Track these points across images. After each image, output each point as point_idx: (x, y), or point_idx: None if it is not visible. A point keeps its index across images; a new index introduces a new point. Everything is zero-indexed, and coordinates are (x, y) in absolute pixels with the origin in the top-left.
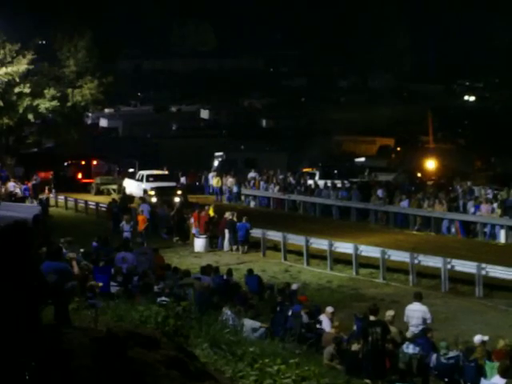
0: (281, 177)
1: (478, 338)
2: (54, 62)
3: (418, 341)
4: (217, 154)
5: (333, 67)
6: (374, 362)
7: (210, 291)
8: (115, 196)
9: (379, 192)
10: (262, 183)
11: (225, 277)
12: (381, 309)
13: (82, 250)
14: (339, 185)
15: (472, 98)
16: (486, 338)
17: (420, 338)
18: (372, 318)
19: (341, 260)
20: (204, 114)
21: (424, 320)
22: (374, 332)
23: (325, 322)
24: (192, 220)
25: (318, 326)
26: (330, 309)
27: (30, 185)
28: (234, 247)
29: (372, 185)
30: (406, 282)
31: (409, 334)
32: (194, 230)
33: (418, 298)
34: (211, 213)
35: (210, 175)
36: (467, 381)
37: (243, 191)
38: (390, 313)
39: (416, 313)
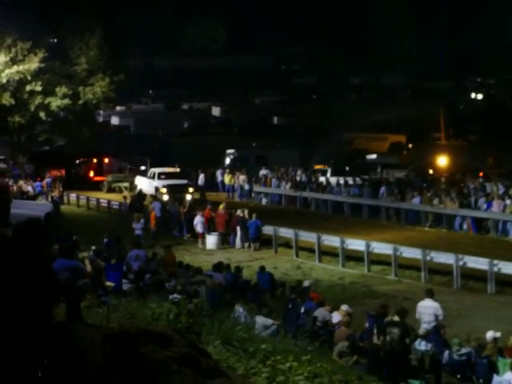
0: (292, 174)
1: (490, 335)
2: (66, 60)
3: (431, 337)
4: (228, 151)
5: (344, 64)
6: (390, 363)
7: (222, 288)
8: (127, 194)
9: (382, 189)
10: (273, 180)
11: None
12: (393, 306)
13: (93, 248)
14: (351, 182)
15: (480, 96)
16: (497, 334)
17: (432, 334)
18: (396, 318)
19: (353, 257)
20: (215, 111)
21: (436, 316)
22: (390, 332)
23: (338, 320)
24: (198, 218)
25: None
26: (344, 307)
27: (44, 182)
28: (246, 244)
29: (383, 182)
30: (418, 278)
31: (421, 331)
32: (200, 229)
33: (430, 294)
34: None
35: (219, 172)
36: (479, 377)
37: (255, 188)
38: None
39: (428, 309)
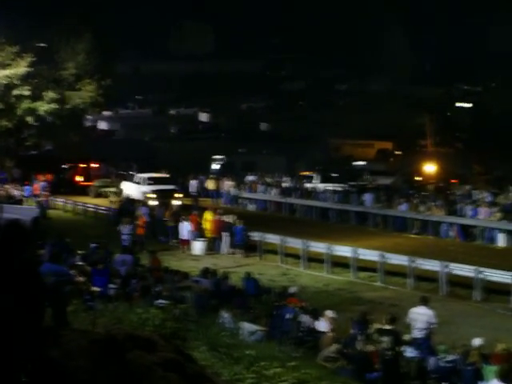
0: (279, 180)
1: (475, 342)
2: (53, 64)
3: (421, 344)
4: (215, 157)
5: (331, 71)
6: (383, 370)
7: (208, 294)
8: (113, 199)
9: (367, 196)
10: (260, 186)
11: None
12: (379, 313)
13: (80, 253)
14: (338, 188)
15: (467, 104)
16: (481, 341)
17: (423, 341)
18: (387, 326)
19: (339, 263)
20: (203, 116)
21: (429, 324)
22: (381, 340)
23: (323, 326)
24: (185, 225)
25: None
26: (329, 313)
27: (37, 185)
28: (231, 250)
29: (370, 188)
30: (404, 285)
31: (407, 338)
32: (185, 235)
33: (425, 301)
34: (209, 216)
35: (200, 179)
36: None
37: (241, 194)
38: (388, 316)
39: (421, 316)
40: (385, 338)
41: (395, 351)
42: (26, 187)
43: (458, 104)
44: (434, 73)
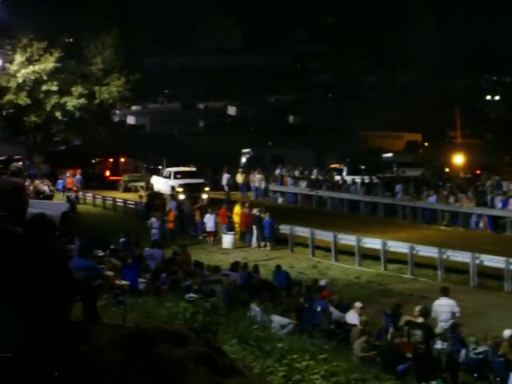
0: (308, 173)
1: (507, 333)
2: (81, 59)
3: (449, 336)
4: (244, 150)
5: (360, 63)
6: (415, 363)
7: (238, 287)
8: (143, 193)
9: (398, 188)
10: (289, 179)
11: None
12: (409, 304)
13: (110, 247)
14: (367, 180)
15: (496, 95)
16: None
17: (450, 332)
18: (420, 320)
19: (369, 256)
20: (231, 110)
21: (453, 314)
22: (414, 334)
23: (353, 318)
24: (209, 216)
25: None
26: (358, 304)
27: (71, 179)
28: (262, 243)
29: (399, 180)
30: (434, 277)
31: (437, 330)
32: (211, 227)
33: (445, 292)
34: (238, 210)
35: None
36: (496, 376)
37: (271, 187)
38: (418, 308)
39: (444, 307)
40: (417, 332)
41: (428, 344)
42: (59, 181)
43: (487, 96)
44: (461, 64)
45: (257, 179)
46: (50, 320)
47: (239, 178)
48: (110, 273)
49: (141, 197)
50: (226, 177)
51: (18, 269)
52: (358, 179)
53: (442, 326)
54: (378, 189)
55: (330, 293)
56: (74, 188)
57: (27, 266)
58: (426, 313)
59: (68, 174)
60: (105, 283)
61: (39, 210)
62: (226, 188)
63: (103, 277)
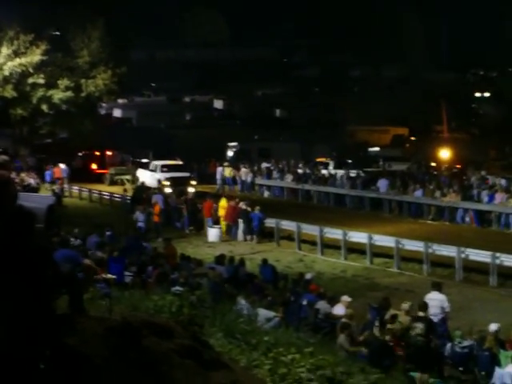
0: (294, 166)
1: (492, 327)
2: (68, 52)
3: (438, 329)
4: (231, 144)
5: (346, 57)
6: (416, 356)
7: (224, 281)
8: (128, 186)
9: (382, 182)
10: (275, 173)
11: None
12: (395, 298)
13: (95, 240)
14: (353, 174)
15: (486, 94)
16: (497, 326)
17: (439, 327)
18: (421, 313)
19: (355, 250)
20: (218, 104)
21: (442, 309)
22: (415, 327)
23: (341, 311)
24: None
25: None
26: (346, 298)
27: (57, 169)
28: (248, 237)
29: (385, 174)
30: (420, 271)
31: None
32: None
33: (437, 287)
34: (224, 203)
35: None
36: (481, 370)
37: (257, 181)
38: (405, 305)
39: (435, 302)
40: (419, 325)
41: (428, 338)
42: (47, 172)
43: (474, 90)
44: (449, 58)
45: (243, 173)
46: (34, 312)
47: (226, 172)
48: (88, 261)
49: (125, 190)
50: (219, 170)
51: None
52: (343, 173)
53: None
54: (361, 183)
55: (317, 286)
56: (61, 180)
57: (4, 258)
58: (424, 306)
59: (55, 166)
60: (85, 274)
61: (25, 203)
62: (219, 182)
63: (82, 266)
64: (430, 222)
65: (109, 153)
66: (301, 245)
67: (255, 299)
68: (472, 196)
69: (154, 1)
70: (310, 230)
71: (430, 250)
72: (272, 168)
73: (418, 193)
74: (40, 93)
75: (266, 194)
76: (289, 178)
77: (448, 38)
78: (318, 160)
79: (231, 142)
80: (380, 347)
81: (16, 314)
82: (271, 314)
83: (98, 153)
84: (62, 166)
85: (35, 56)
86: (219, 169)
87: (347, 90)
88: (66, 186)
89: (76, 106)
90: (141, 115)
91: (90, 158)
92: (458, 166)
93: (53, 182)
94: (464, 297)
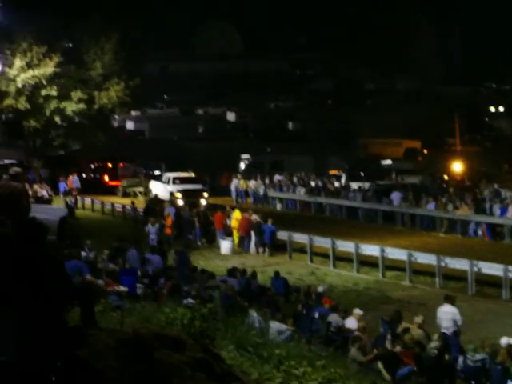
0: (307, 179)
1: (504, 341)
2: (81, 64)
3: (449, 343)
4: (243, 156)
5: (359, 70)
6: (428, 370)
7: (236, 293)
8: (141, 198)
9: (394, 195)
10: (288, 185)
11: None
12: (407, 311)
13: (107, 252)
14: (366, 187)
15: (501, 109)
16: (510, 340)
17: (451, 340)
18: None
19: (367, 262)
20: (230, 116)
21: (455, 322)
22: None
23: (353, 324)
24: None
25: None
26: (358, 311)
27: (70, 179)
28: (261, 249)
29: (398, 187)
30: (432, 284)
31: (435, 338)
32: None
33: (449, 300)
34: (237, 215)
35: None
36: (494, 383)
37: (269, 193)
38: (418, 319)
39: (447, 315)
40: (434, 341)
41: (443, 354)
42: (61, 183)
43: (486, 103)
44: (462, 72)
45: (252, 185)
46: (45, 324)
47: (240, 184)
48: (90, 277)
49: (133, 202)
50: (234, 183)
51: (11, 272)
52: (356, 186)
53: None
54: (374, 196)
55: (328, 299)
56: (74, 192)
57: (18, 269)
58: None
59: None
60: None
61: (38, 215)
62: (234, 194)
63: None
64: (442, 235)
65: (121, 165)
66: (313, 257)
67: (267, 312)
68: (484, 209)
69: (168, 13)
70: (323, 242)
71: (443, 263)
72: (284, 180)
73: (431, 206)
74: (53, 105)
75: (279, 206)
76: (301, 190)
77: (461, 51)
78: (331, 172)
79: (244, 154)
80: (393, 360)
81: (27, 325)
82: (283, 326)
83: (110, 165)
84: (74, 177)
85: (48, 68)
86: (235, 181)
87: (360, 102)
88: (79, 197)
89: (89, 118)
90: (153, 127)
91: (102, 170)
92: (466, 180)
93: (67, 193)
94: (476, 310)
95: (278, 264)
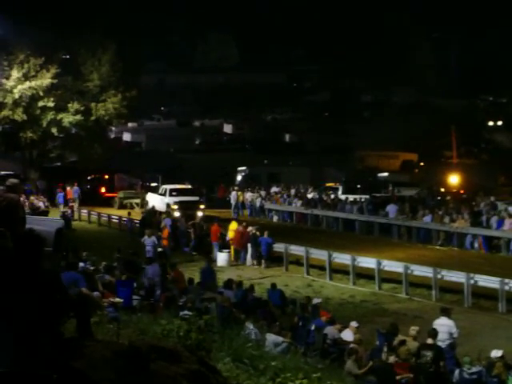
0: (303, 191)
1: (494, 353)
2: (78, 76)
3: (445, 355)
4: (240, 168)
5: (356, 82)
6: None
7: (233, 305)
8: (138, 210)
9: (391, 208)
10: (284, 198)
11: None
12: (404, 324)
13: (104, 264)
14: (362, 199)
15: (500, 123)
16: (501, 352)
17: (447, 353)
18: (429, 341)
19: (364, 275)
20: (227, 128)
21: (451, 334)
22: (424, 355)
23: (349, 336)
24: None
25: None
26: (354, 323)
27: (70, 190)
28: (256, 261)
29: (394, 200)
30: (428, 297)
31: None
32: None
33: (445, 312)
34: (234, 226)
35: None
36: None
37: (266, 205)
38: (414, 328)
39: (443, 327)
40: (428, 353)
41: (438, 365)
42: (60, 194)
43: (483, 116)
44: (458, 84)
45: (248, 197)
46: (41, 335)
47: (239, 196)
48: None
49: (129, 213)
50: (233, 195)
51: (8, 284)
52: (352, 198)
53: (439, 345)
54: (370, 209)
55: (325, 311)
56: (72, 203)
57: (15, 281)
58: (435, 334)
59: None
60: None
61: (34, 226)
62: (234, 206)
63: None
64: (438, 247)
65: (118, 176)
66: (309, 270)
67: (263, 324)
68: (481, 222)
69: (165, 25)
70: (319, 254)
71: (439, 276)
72: (281, 192)
73: (427, 218)
74: (50, 116)
75: (275, 218)
76: (298, 202)
77: (458, 64)
78: (328, 185)
79: (241, 166)
80: (389, 372)
81: (23, 336)
82: (279, 339)
83: (107, 176)
84: (75, 187)
85: (45, 79)
86: (233, 193)
87: (357, 115)
88: (76, 208)
89: (86, 130)
90: (150, 139)
91: (99, 182)
92: (463, 192)
93: (67, 204)
94: (473, 323)
95: (274, 276)
